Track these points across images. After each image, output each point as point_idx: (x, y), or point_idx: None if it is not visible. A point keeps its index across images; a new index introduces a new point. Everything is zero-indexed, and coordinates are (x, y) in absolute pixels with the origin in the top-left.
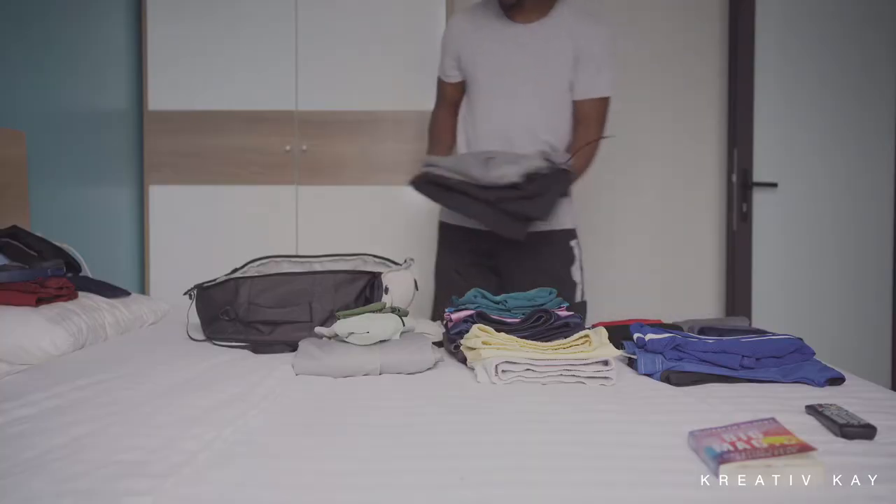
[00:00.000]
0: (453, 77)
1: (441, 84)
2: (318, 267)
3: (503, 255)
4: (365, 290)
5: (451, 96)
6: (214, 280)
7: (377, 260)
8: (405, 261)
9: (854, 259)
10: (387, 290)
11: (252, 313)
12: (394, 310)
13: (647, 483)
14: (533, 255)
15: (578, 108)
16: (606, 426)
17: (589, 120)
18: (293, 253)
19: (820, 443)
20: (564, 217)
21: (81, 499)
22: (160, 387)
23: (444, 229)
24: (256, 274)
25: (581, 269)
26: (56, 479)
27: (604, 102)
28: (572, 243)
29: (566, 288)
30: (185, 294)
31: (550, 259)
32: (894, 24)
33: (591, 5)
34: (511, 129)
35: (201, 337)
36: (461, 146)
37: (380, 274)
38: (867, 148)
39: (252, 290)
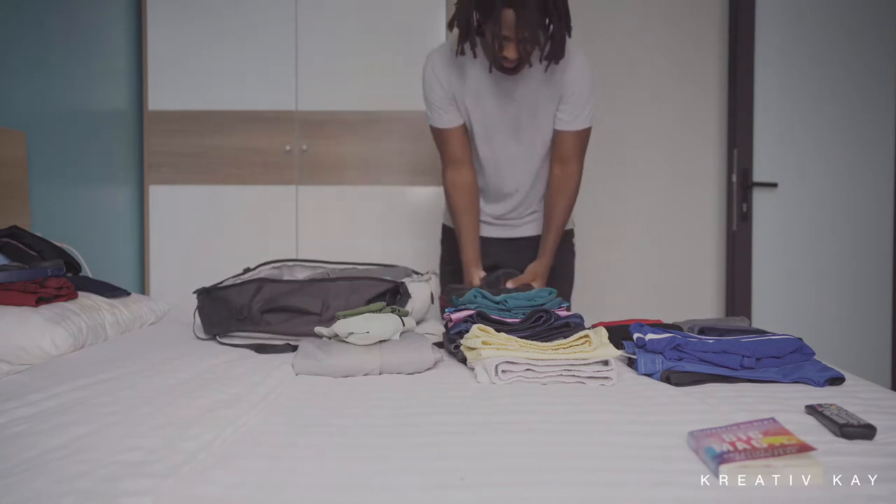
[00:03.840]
0: (456, 121)
1: (446, 135)
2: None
3: (510, 263)
4: (385, 296)
5: (461, 144)
6: (231, 279)
7: (393, 269)
8: (426, 272)
9: (854, 259)
10: (410, 296)
11: (268, 304)
12: (394, 310)
13: (647, 483)
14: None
15: (560, 138)
16: (606, 426)
17: (569, 154)
18: (293, 254)
19: (820, 443)
20: None
21: (81, 499)
22: (160, 387)
23: (448, 233)
24: (272, 276)
25: None
26: (56, 479)
27: (585, 134)
28: (574, 241)
29: (571, 285)
30: (195, 293)
31: (563, 257)
32: (894, 24)
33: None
34: (517, 180)
35: (206, 336)
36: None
37: (403, 283)
38: (867, 148)
39: (273, 293)
